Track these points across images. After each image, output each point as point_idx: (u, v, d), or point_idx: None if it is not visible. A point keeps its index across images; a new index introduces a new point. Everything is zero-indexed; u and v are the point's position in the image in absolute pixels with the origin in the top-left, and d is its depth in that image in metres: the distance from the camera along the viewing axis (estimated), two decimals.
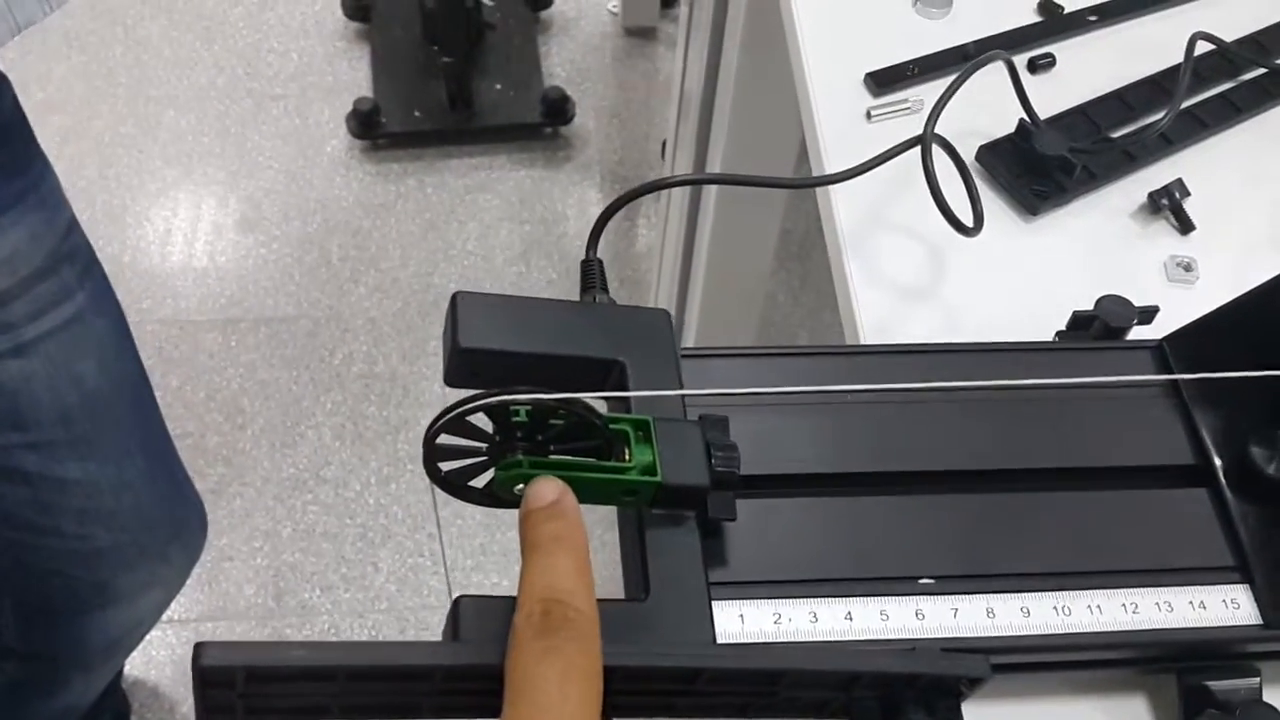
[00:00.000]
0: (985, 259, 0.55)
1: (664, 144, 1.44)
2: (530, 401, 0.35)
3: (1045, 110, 0.60)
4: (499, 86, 1.74)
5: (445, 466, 0.38)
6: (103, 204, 1.64)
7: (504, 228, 1.67)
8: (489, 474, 0.37)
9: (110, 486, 0.75)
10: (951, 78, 0.58)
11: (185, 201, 1.67)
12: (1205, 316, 0.45)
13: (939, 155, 0.52)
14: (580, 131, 1.77)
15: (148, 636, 1.23)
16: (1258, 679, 0.41)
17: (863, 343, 0.52)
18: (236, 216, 1.66)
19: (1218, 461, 0.43)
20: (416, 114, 1.71)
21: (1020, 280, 0.55)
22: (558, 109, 1.72)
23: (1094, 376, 0.45)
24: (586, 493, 0.37)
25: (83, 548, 0.78)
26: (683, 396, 0.41)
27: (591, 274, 0.45)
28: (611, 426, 0.37)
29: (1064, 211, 0.57)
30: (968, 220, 0.51)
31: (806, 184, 0.50)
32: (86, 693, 0.96)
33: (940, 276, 0.55)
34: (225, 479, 1.40)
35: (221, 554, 1.36)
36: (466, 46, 1.67)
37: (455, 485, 0.38)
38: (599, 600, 0.34)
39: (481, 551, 1.36)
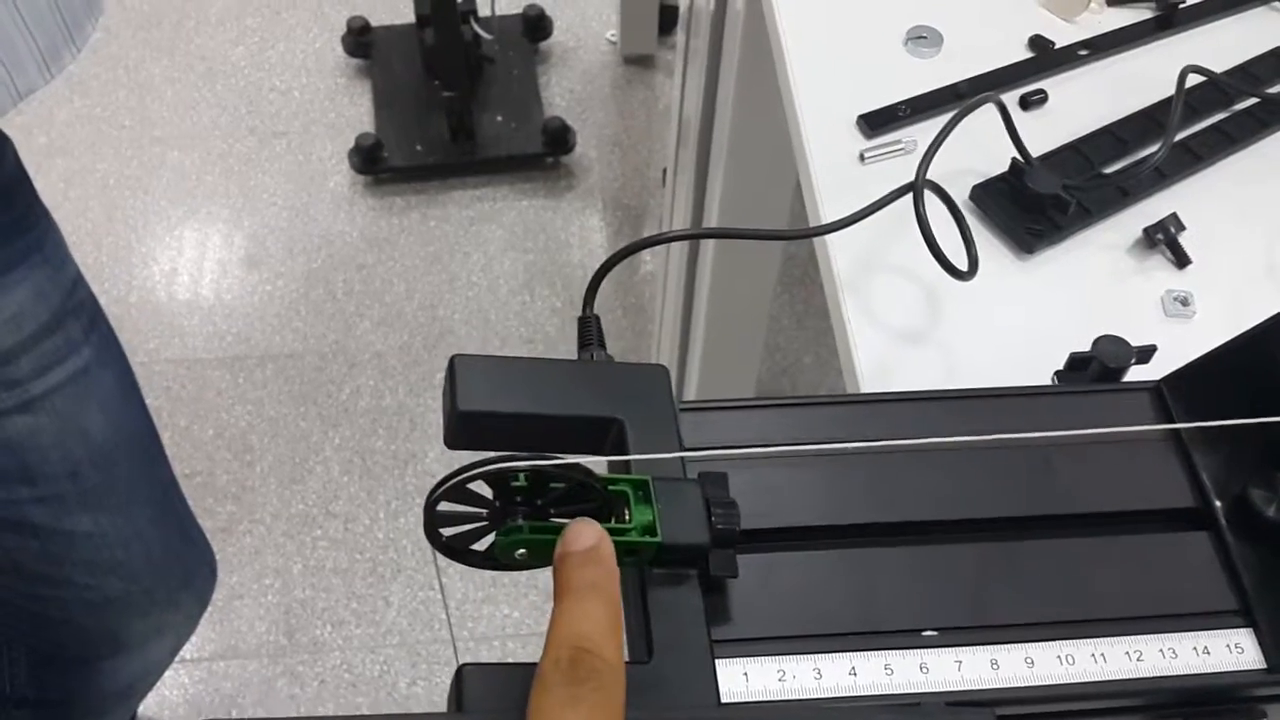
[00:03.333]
0: (982, 299, 0.55)
1: (664, 171, 1.45)
2: (529, 468, 0.35)
3: (1038, 147, 0.61)
4: (500, 118, 1.75)
5: (447, 532, 0.38)
6: (109, 246, 1.65)
7: (507, 258, 1.68)
8: (490, 538, 0.37)
9: (119, 537, 0.76)
10: (944, 117, 0.59)
11: (190, 240, 1.68)
12: (1202, 358, 0.45)
13: (932, 198, 0.53)
14: (581, 160, 1.78)
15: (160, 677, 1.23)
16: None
17: (862, 386, 0.53)
18: (241, 254, 1.67)
19: (1218, 504, 0.43)
20: (418, 148, 1.72)
21: (1017, 319, 0.55)
22: (559, 139, 1.73)
23: (1092, 419, 0.45)
24: None
25: (93, 597, 0.79)
26: (683, 453, 0.41)
27: (589, 331, 0.45)
28: (610, 488, 0.37)
29: (1059, 249, 0.57)
30: (962, 264, 0.51)
31: (798, 235, 0.51)
32: None
33: (938, 318, 0.55)
34: (235, 516, 1.40)
35: (232, 592, 1.37)
36: (467, 80, 1.68)
37: (457, 550, 0.38)
38: None
39: (492, 583, 1.36)
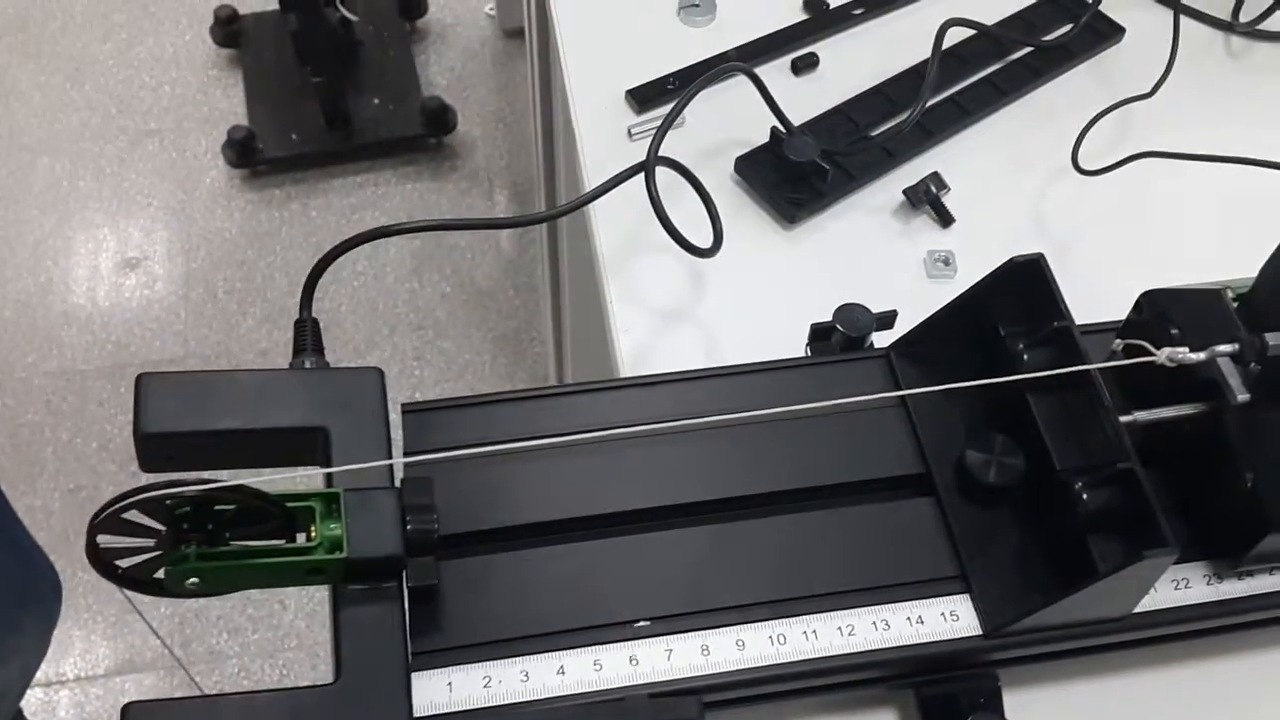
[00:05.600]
0: (746, 273, 0.55)
1: None
2: (178, 495, 0.34)
3: (810, 112, 0.60)
4: (376, 101, 1.72)
5: (125, 562, 0.37)
6: None
7: (393, 244, 1.66)
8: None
9: None
10: (714, 88, 0.58)
11: (64, 249, 1.64)
12: (923, 323, 0.45)
13: (709, 173, 0.52)
14: (465, 139, 1.76)
15: (55, 696, 1.21)
16: (997, 684, 0.41)
17: (622, 370, 0.52)
18: (117, 259, 1.63)
19: (938, 469, 0.43)
20: (294, 137, 1.68)
21: (782, 291, 0.55)
22: (438, 119, 1.70)
23: (826, 391, 0.44)
24: (267, 578, 0.37)
25: None
26: (386, 461, 0.40)
27: (303, 336, 0.44)
28: (291, 505, 0.36)
29: (824, 216, 0.57)
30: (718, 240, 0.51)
31: (520, 223, 0.50)
32: None
33: (701, 296, 0.54)
34: None
35: (125, 606, 1.34)
36: (338, 64, 1.64)
37: (140, 580, 0.37)
38: (280, 690, 0.33)
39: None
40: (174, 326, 1.55)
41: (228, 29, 1.78)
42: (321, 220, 1.66)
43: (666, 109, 0.61)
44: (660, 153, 0.56)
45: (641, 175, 0.49)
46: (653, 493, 0.42)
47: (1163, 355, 0.38)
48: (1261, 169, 0.52)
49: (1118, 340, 0.41)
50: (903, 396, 0.44)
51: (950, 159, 0.59)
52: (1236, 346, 0.38)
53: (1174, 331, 0.40)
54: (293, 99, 1.70)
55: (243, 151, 1.64)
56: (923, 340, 0.45)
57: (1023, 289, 0.42)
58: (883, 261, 0.56)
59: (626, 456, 0.43)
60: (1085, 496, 0.38)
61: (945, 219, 0.56)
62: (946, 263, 0.55)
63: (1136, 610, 0.39)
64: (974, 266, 0.55)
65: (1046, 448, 0.40)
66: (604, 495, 0.42)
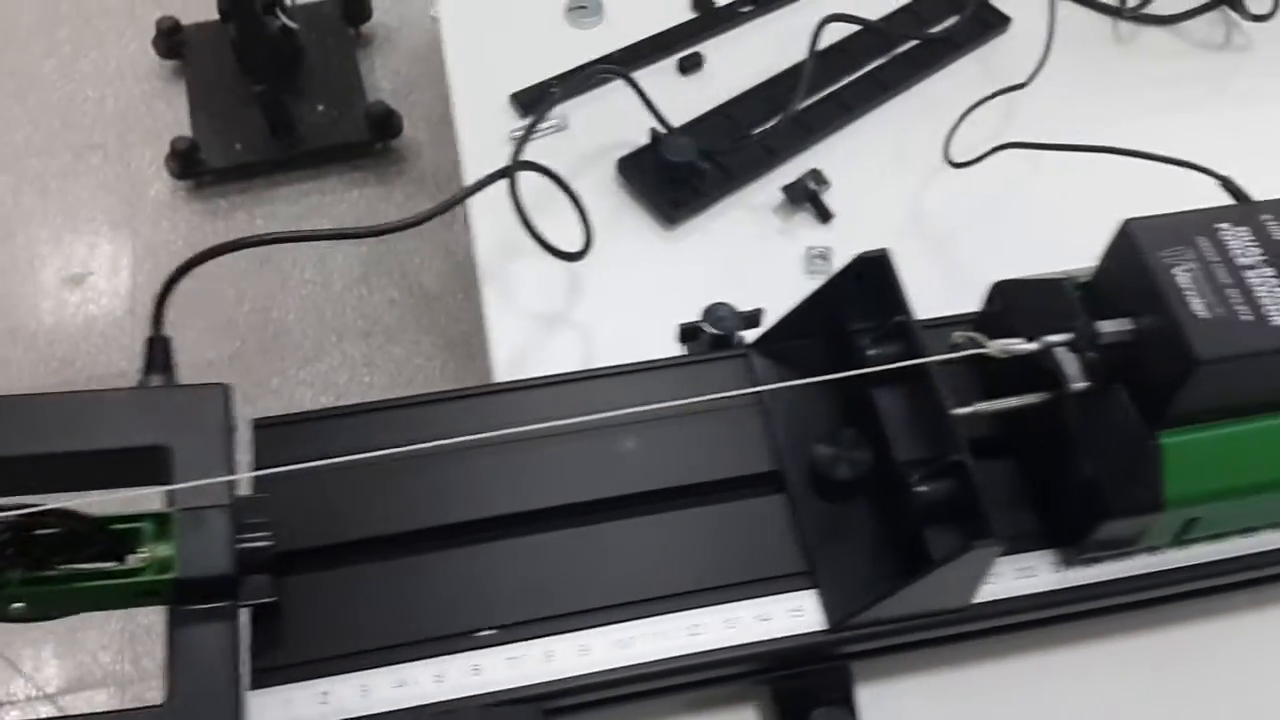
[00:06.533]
0: (625, 275, 0.55)
1: None
2: None
3: (697, 111, 0.60)
4: (321, 108, 1.71)
5: None
6: None
7: (340, 251, 1.65)
8: None
9: None
10: (597, 91, 0.58)
11: (8, 267, 1.62)
12: (780, 320, 0.45)
13: (604, 176, 0.51)
14: (411, 144, 1.75)
15: (4, 717, 1.20)
16: (848, 677, 0.41)
17: (497, 376, 0.52)
18: (63, 275, 1.62)
19: (790, 465, 0.42)
20: (238, 146, 1.67)
21: (662, 292, 0.54)
22: (383, 123, 1.69)
23: (692, 389, 0.44)
24: (97, 601, 0.36)
25: None
26: (233, 477, 0.40)
27: (153, 354, 0.44)
28: (116, 527, 0.36)
29: (705, 216, 0.57)
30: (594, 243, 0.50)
31: (370, 233, 0.49)
32: None
33: (579, 299, 0.54)
34: None
35: (74, 624, 1.34)
36: (279, 72, 1.63)
37: None
38: (110, 713, 0.33)
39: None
40: (120, 341, 1.54)
41: (170, 40, 1.76)
42: (268, 229, 1.65)
43: (552, 112, 0.61)
44: (545, 157, 0.56)
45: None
46: (503, 500, 0.42)
47: (994, 346, 0.38)
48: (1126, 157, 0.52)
49: (957, 333, 0.40)
50: (759, 394, 0.44)
51: (833, 155, 0.58)
52: (1072, 335, 0.38)
53: (1016, 322, 0.40)
54: (236, 108, 1.69)
55: (186, 163, 1.63)
56: (781, 338, 0.45)
57: (871, 285, 0.42)
58: (763, 259, 0.56)
59: (480, 465, 0.43)
60: (921, 489, 0.38)
61: (824, 215, 0.56)
62: (824, 258, 0.55)
63: (983, 599, 0.39)
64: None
65: (888, 442, 0.40)
66: (454, 504, 0.42)
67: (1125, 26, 0.65)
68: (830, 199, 0.57)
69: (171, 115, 1.76)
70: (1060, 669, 0.42)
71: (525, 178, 0.53)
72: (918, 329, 0.40)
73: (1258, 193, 0.46)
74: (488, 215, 0.55)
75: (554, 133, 0.59)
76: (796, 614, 0.40)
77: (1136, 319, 0.37)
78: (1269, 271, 0.36)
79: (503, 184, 0.51)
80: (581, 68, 0.61)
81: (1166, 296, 0.36)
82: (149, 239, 1.64)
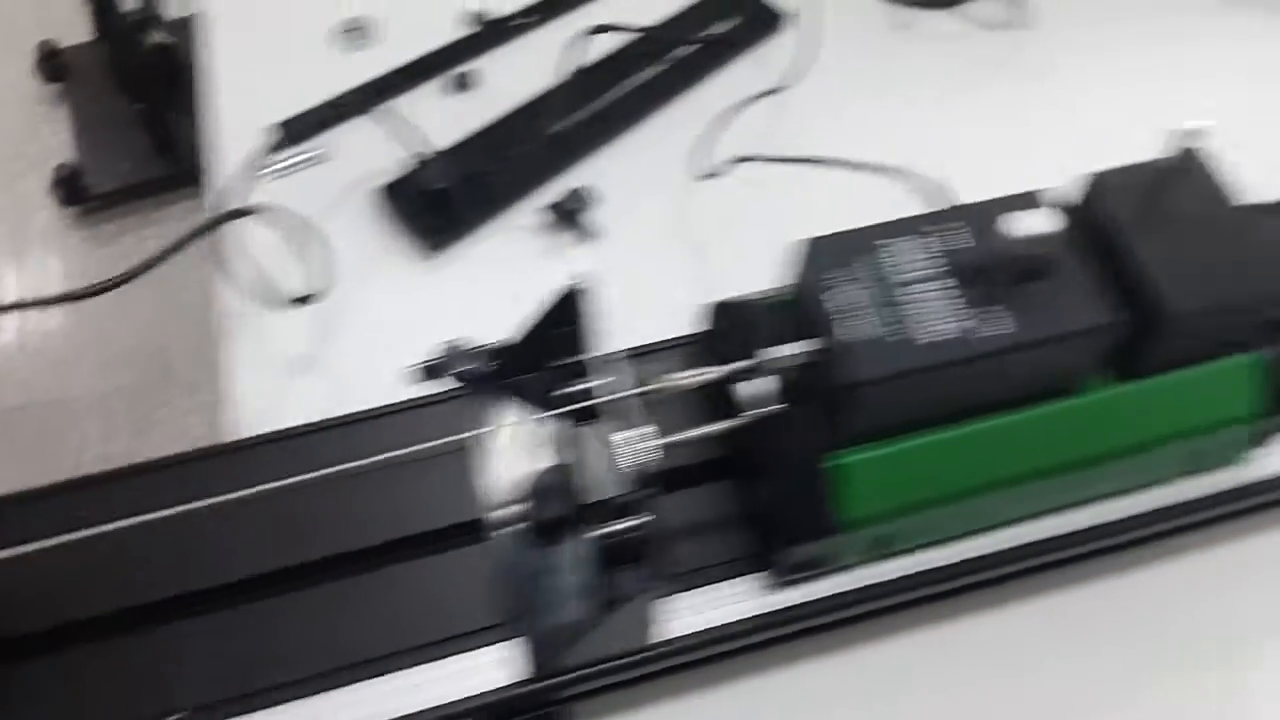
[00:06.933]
0: (385, 309, 0.53)
1: None
2: None
3: (467, 131, 0.58)
4: None
5: None
6: None
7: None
8: None
9: None
10: (366, 117, 0.57)
11: None
12: (495, 360, 0.44)
13: (361, 207, 0.49)
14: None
15: None
16: None
17: (244, 431, 0.50)
18: None
19: (489, 514, 0.41)
20: (125, 167, 1.64)
21: (424, 324, 0.53)
22: None
23: (418, 434, 0.43)
24: None
25: None
26: None
27: None
28: None
29: (468, 241, 0.55)
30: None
31: (50, 302, 0.48)
32: None
33: (332, 339, 0.53)
34: None
35: None
36: (159, 90, 1.60)
37: None
38: None
39: None
40: (14, 375, 1.51)
41: (52, 63, 1.73)
42: (159, 250, 1.62)
43: (313, 142, 0.59)
44: (305, 190, 0.55)
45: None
46: (198, 574, 0.41)
47: (668, 381, 0.37)
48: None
49: (647, 368, 0.39)
50: (477, 437, 0.43)
51: (604, 169, 0.57)
52: (752, 360, 0.37)
53: (730, 343, 0.39)
54: (122, 129, 1.66)
55: (71, 189, 1.60)
56: (507, 373, 0.44)
57: (572, 318, 0.41)
58: (528, 283, 0.54)
59: (182, 536, 0.41)
60: (600, 532, 0.37)
61: (589, 234, 0.55)
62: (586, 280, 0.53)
63: (693, 630, 0.39)
64: (618, 282, 0.54)
65: (584, 483, 0.39)
66: (145, 582, 0.40)
67: (905, 12, 0.63)
68: (602, 215, 0.55)
69: (55, 141, 1.72)
70: (777, 690, 0.42)
71: (281, 212, 0.52)
72: (595, 365, 0.39)
73: (1047, 167, 0.42)
74: (229, 259, 0.54)
75: (314, 164, 0.58)
76: (500, 665, 0.39)
77: (806, 342, 0.36)
78: (922, 288, 0.35)
79: (248, 222, 0.50)
80: (356, 90, 0.60)
81: (826, 318, 0.35)
82: (36, 270, 1.60)
